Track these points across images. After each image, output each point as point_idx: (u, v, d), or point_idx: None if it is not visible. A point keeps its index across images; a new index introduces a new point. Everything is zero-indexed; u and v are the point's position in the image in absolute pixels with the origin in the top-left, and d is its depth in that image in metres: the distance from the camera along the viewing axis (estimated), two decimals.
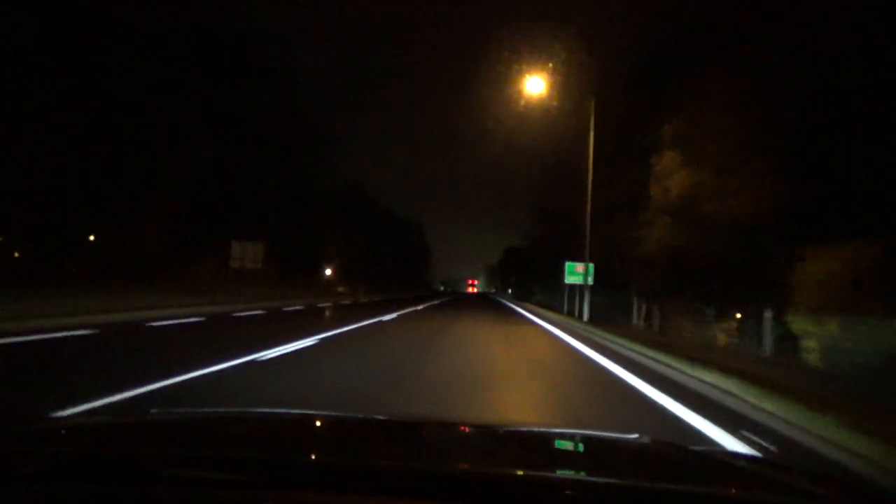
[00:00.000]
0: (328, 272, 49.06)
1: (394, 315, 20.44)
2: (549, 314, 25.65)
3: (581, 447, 2.07)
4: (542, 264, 45.88)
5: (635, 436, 2.08)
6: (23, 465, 1.30)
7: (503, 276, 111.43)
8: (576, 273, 23.74)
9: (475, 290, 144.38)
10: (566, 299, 26.39)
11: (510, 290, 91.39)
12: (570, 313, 25.37)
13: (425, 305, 30.74)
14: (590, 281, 23.76)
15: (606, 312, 23.72)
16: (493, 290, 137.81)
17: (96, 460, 1.36)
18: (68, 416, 3.90)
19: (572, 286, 25.61)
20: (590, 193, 18.61)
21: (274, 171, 33.50)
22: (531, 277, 57.12)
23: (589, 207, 18.76)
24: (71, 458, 1.37)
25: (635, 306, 24.00)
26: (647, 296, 23.03)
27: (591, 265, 23.87)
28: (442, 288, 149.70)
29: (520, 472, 1.43)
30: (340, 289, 45.84)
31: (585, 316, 19.03)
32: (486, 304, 42.84)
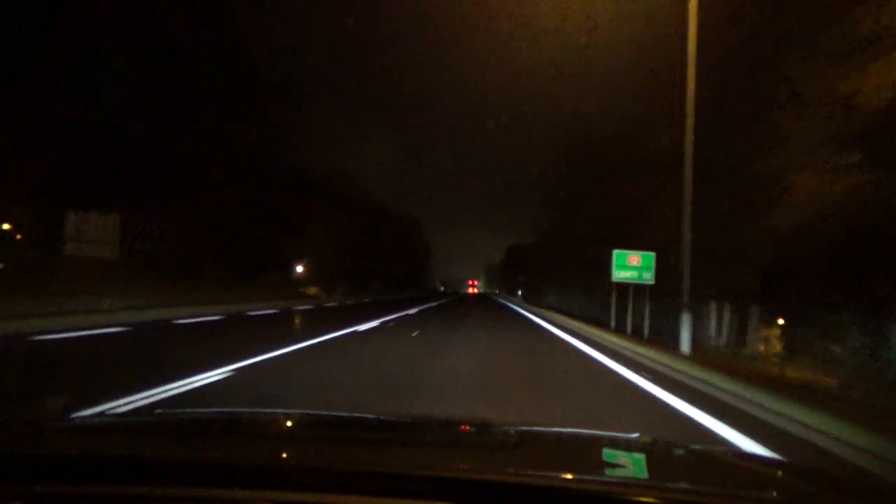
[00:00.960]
0: (299, 269, 41.20)
1: (286, 351, 9.65)
2: (605, 337, 15.61)
3: (582, 447, 2.04)
4: (557, 261, 38.13)
5: (636, 435, 2.06)
6: (25, 465, 1.30)
7: (506, 275, 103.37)
8: (628, 267, 15.95)
9: (476, 290, 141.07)
10: (613, 308, 18.22)
11: (520, 292, 75.28)
12: (620, 329, 17.26)
13: (379, 323, 17.81)
14: (649, 279, 16.00)
15: (645, 321, 15.96)
16: (496, 291, 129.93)
17: (95, 461, 1.34)
18: (66, 418, 3.54)
19: (620, 288, 17.64)
20: (690, 122, 10.59)
21: (197, 130, 24.63)
22: (541, 277, 48.96)
23: (690, 132, 10.70)
24: (68, 459, 1.35)
25: (713, 317, 16.17)
26: (735, 300, 15.24)
27: (652, 255, 16.11)
28: (442, 288, 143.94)
29: (520, 473, 1.36)
30: (312, 290, 38.07)
31: (685, 345, 10.42)
32: (492, 313, 34.35)
